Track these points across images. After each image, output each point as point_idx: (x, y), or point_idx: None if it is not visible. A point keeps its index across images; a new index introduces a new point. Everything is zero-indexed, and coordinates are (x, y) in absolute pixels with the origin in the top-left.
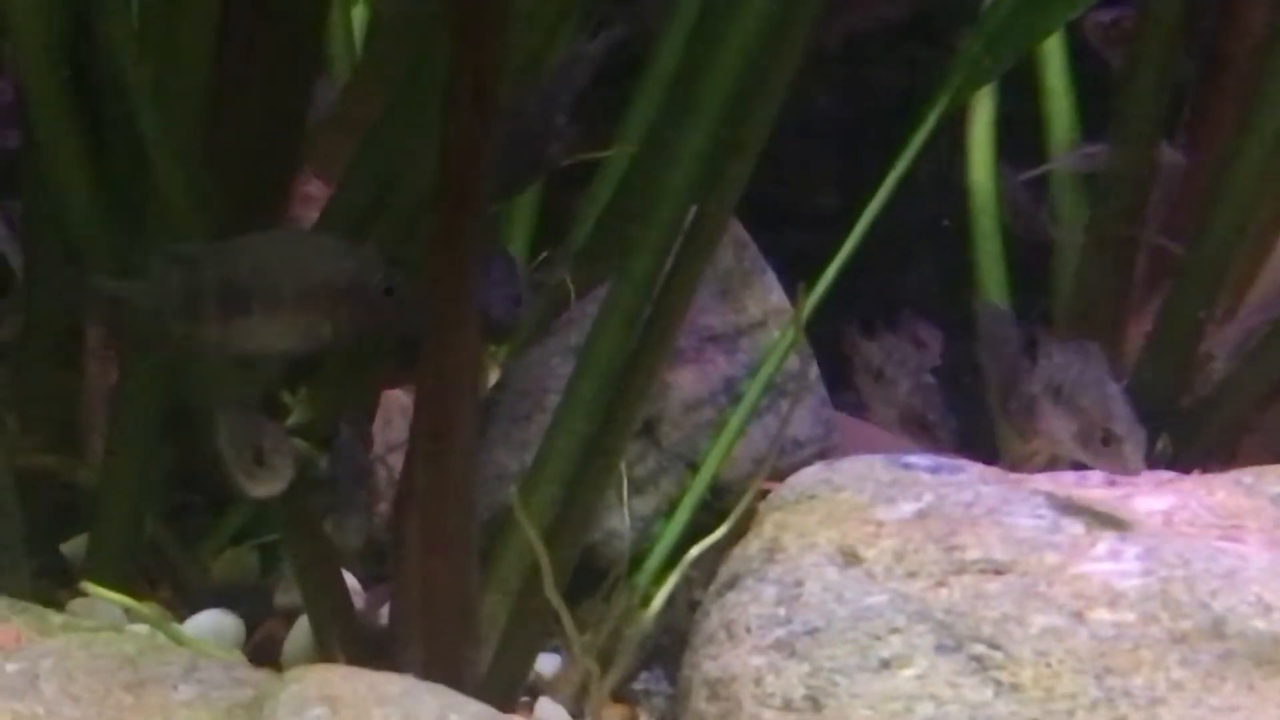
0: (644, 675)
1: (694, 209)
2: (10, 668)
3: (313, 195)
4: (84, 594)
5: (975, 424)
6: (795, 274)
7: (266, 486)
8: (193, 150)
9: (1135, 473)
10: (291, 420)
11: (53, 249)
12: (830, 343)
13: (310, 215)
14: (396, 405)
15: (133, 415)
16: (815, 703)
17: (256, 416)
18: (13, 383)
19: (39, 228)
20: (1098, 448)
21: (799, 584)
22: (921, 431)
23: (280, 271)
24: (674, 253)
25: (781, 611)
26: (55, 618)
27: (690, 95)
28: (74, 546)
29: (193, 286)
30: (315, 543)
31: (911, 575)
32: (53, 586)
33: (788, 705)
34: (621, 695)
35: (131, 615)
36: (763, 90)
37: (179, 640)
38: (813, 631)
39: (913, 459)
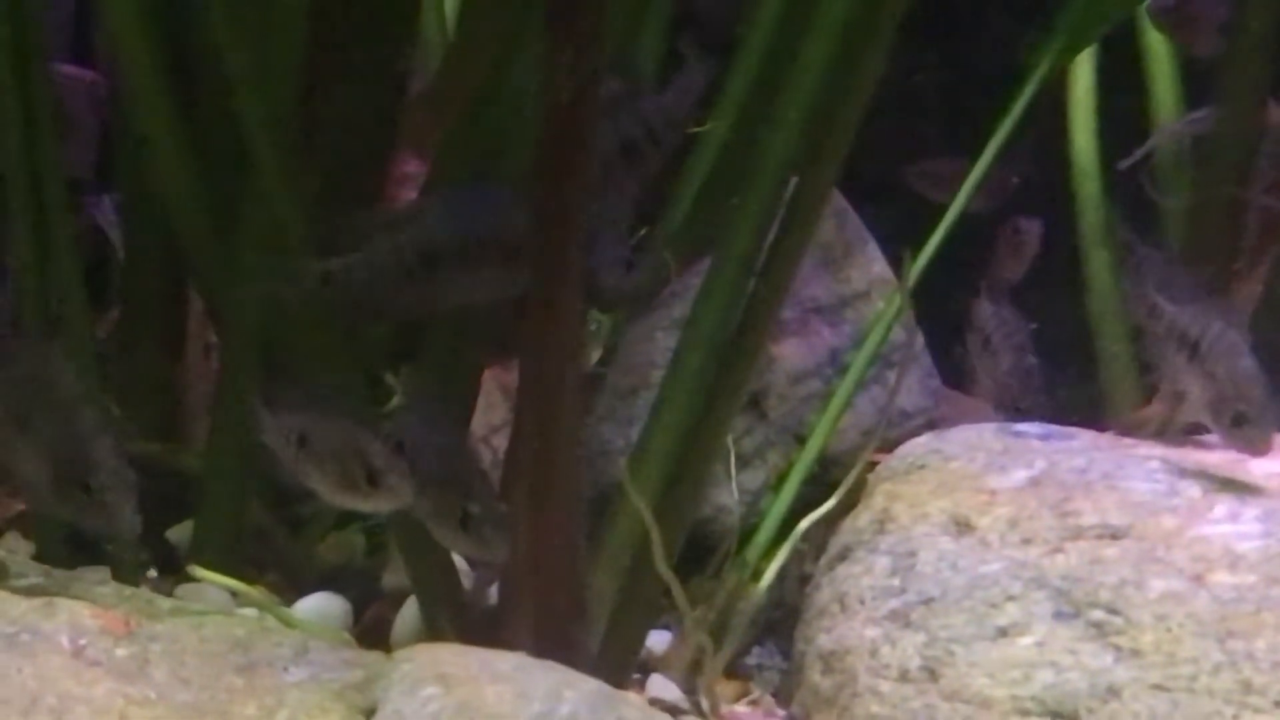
0: (756, 650)
1: (794, 181)
2: (120, 652)
3: (410, 174)
4: (192, 579)
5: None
6: (895, 247)
7: (378, 504)
8: (290, 134)
9: (1261, 454)
10: (393, 403)
11: (152, 237)
12: (937, 309)
13: (407, 195)
14: (498, 386)
15: (234, 399)
16: (932, 673)
17: (359, 430)
18: (116, 371)
19: (138, 216)
20: (1227, 424)
21: (912, 554)
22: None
23: (478, 227)
24: (776, 225)
25: (895, 582)
26: (164, 603)
27: (788, 66)
28: (180, 532)
29: (399, 250)
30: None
31: (1026, 542)
32: (161, 573)
33: (904, 676)
34: (734, 670)
35: (240, 599)
36: (862, 59)
37: (288, 623)
38: (928, 601)
39: (1023, 427)
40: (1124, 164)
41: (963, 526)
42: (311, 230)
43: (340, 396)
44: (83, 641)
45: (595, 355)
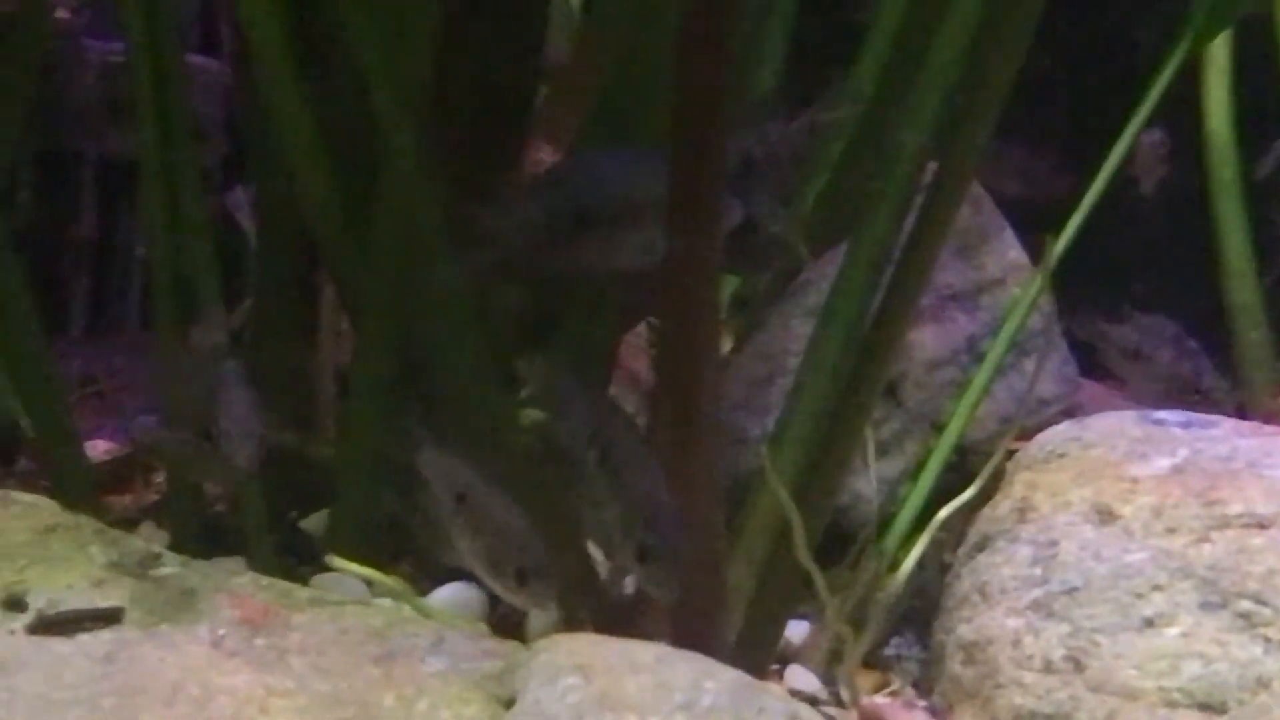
0: (895, 640)
1: (933, 165)
2: (260, 642)
3: (543, 160)
4: (327, 569)
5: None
6: (1024, 234)
7: (516, 601)
8: (422, 118)
9: None
10: (525, 391)
11: (286, 224)
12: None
13: None
14: (626, 376)
15: (368, 388)
16: (1077, 663)
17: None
18: (248, 361)
19: (269, 204)
20: None
21: (1054, 543)
22: (1198, 399)
23: (630, 187)
24: (915, 210)
25: (1037, 571)
26: (301, 592)
27: (924, 47)
28: (315, 522)
29: (551, 211)
30: (557, 512)
31: (1171, 531)
32: (296, 562)
33: (1048, 667)
34: (873, 661)
35: (375, 589)
36: (1002, 39)
37: (424, 613)
38: (1071, 591)
39: (1163, 414)
40: (1261, 173)
41: (1105, 515)
42: (444, 215)
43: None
44: (222, 632)
45: (728, 344)
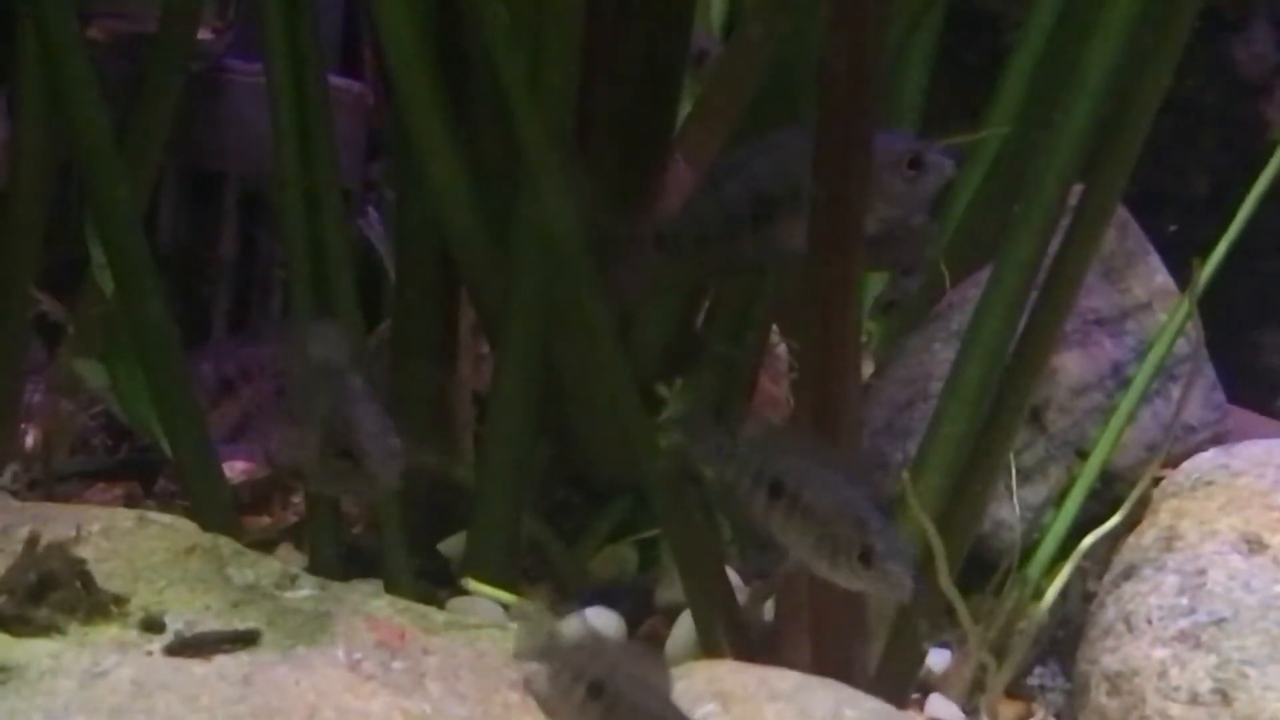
0: (1038, 670)
1: (1079, 188)
2: (397, 665)
3: (684, 182)
4: (464, 593)
5: None
6: (1168, 261)
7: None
8: (566, 142)
9: None
10: (666, 414)
11: (426, 246)
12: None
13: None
14: (768, 400)
15: (508, 411)
16: (1224, 696)
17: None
18: (387, 382)
19: (409, 226)
20: None
21: (1201, 572)
22: None
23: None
24: (1061, 233)
25: (1184, 601)
26: (438, 616)
27: (1071, 68)
28: (452, 545)
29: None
30: (697, 537)
31: None
32: (433, 586)
33: (1194, 699)
34: (1016, 691)
35: (512, 612)
36: (1151, 59)
37: None
38: (1219, 622)
39: None
40: None
41: (1254, 545)
42: (587, 237)
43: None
44: (358, 655)
45: (869, 368)
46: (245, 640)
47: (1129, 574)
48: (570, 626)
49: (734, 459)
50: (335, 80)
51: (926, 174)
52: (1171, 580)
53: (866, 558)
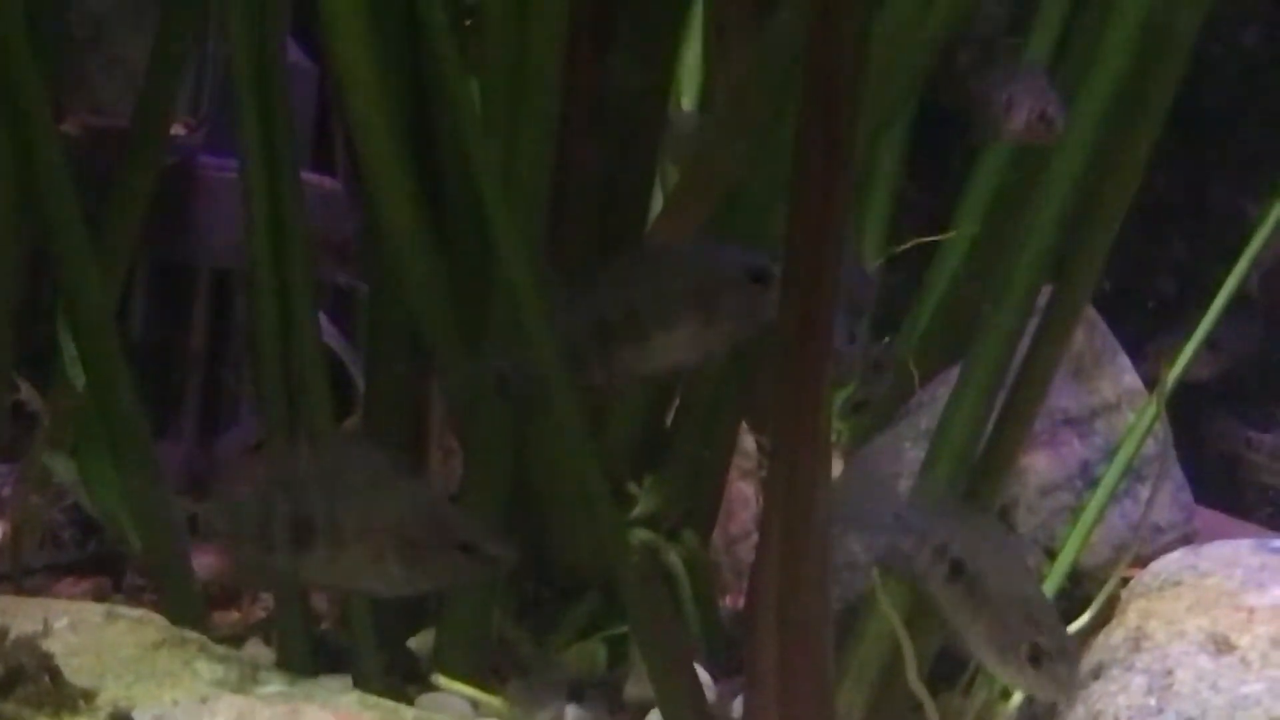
0: None
1: (1049, 289)
2: None
3: None
4: (433, 688)
5: None
6: (1141, 357)
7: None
8: (538, 235)
9: None
10: (636, 511)
11: (397, 339)
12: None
13: None
14: (739, 498)
15: (477, 507)
16: None
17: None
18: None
19: (383, 318)
20: None
21: (1169, 673)
22: None
23: (661, 291)
24: (1030, 333)
25: (1152, 701)
26: (407, 712)
27: (1040, 170)
28: (422, 641)
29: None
30: (666, 635)
31: None
32: (402, 681)
33: None
34: None
35: (481, 709)
36: (1121, 161)
37: None
38: None
39: None
40: None
41: (1222, 645)
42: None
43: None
44: None
45: (839, 467)
46: None
47: (1098, 673)
48: None
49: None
50: (307, 175)
51: (772, 287)
52: (1139, 680)
53: (1035, 657)
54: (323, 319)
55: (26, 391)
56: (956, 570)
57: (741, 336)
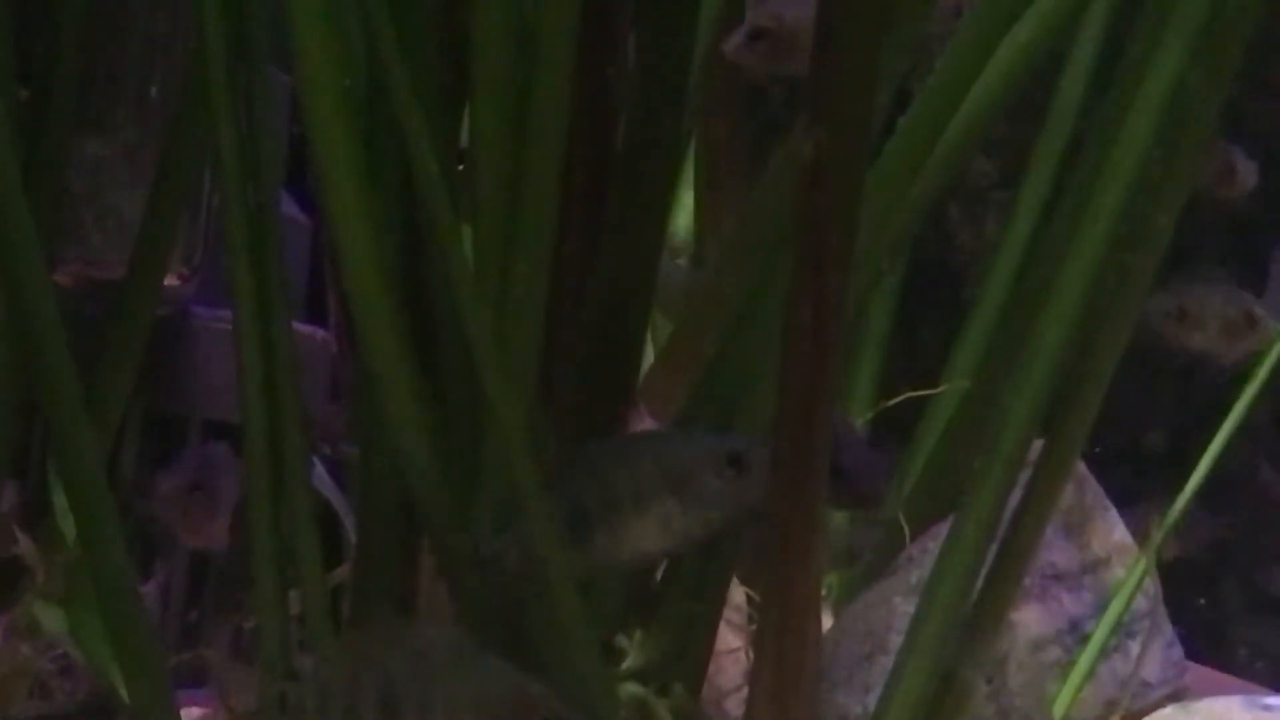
0: None
1: (1040, 443)
2: None
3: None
4: None
5: None
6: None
7: None
8: (530, 392)
9: None
10: (626, 664)
11: (388, 494)
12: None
13: None
14: (726, 651)
15: None
16: None
17: None
18: (346, 628)
19: (374, 472)
20: None
21: None
22: None
23: (635, 477)
24: (1021, 487)
25: None
26: None
27: (1031, 324)
28: None
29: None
30: None
31: None
32: None
33: None
34: None
35: None
36: (1112, 313)
37: None
38: None
39: (1273, 700)
40: None
41: None
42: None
43: None
44: None
45: (828, 621)
46: None
47: None
48: None
49: None
50: (299, 327)
51: (750, 472)
52: None
53: None
54: (317, 467)
55: (25, 545)
56: None
57: (721, 523)
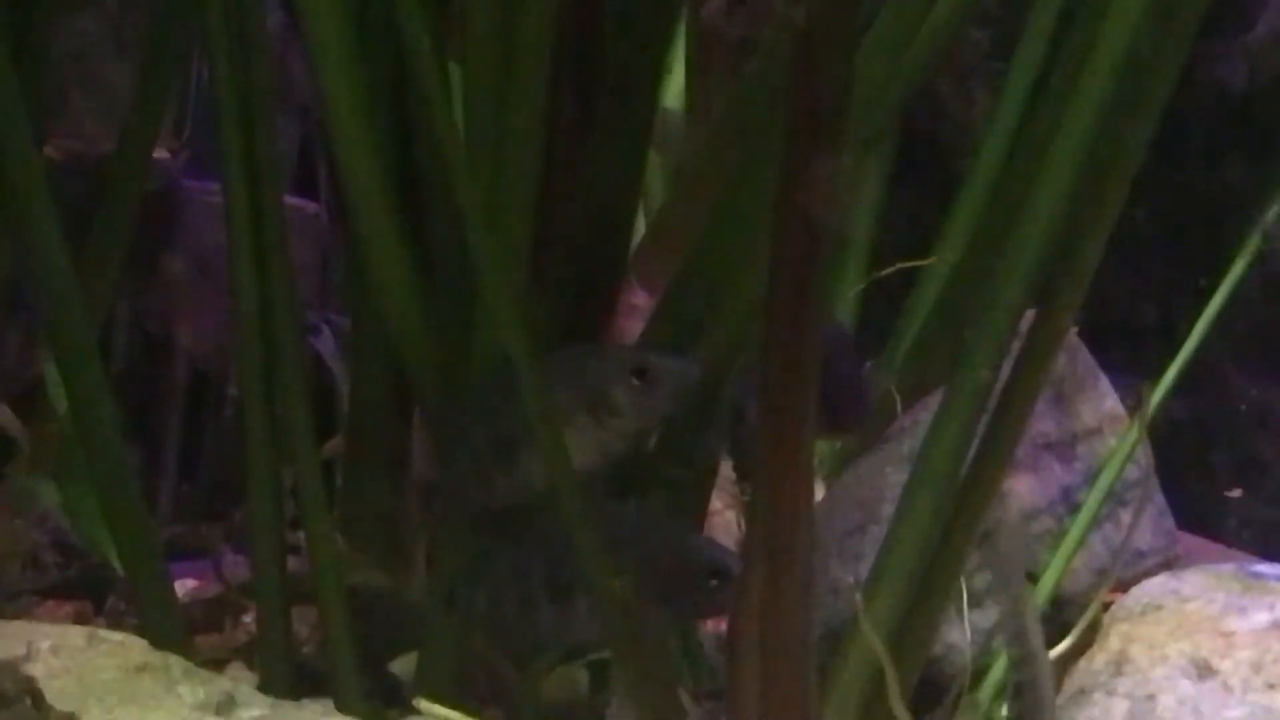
0: None
1: (1032, 313)
2: None
3: (638, 305)
4: (416, 712)
5: None
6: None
7: None
8: (521, 266)
9: None
10: None
11: (380, 366)
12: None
13: (634, 326)
14: (721, 524)
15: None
16: None
17: None
18: (340, 501)
19: (363, 346)
20: None
21: (1151, 697)
22: None
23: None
24: (1013, 358)
25: None
26: None
27: (1023, 196)
28: (404, 665)
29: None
30: (648, 660)
31: (1271, 687)
32: (384, 705)
33: None
34: None
35: None
36: (1104, 188)
37: None
38: None
39: (1262, 568)
40: None
41: (1204, 670)
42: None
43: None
44: None
45: (820, 492)
46: None
47: (1079, 698)
48: None
49: None
50: (290, 200)
51: (657, 384)
52: (1121, 705)
53: None
54: (326, 333)
55: (6, 416)
56: None
57: (635, 435)
